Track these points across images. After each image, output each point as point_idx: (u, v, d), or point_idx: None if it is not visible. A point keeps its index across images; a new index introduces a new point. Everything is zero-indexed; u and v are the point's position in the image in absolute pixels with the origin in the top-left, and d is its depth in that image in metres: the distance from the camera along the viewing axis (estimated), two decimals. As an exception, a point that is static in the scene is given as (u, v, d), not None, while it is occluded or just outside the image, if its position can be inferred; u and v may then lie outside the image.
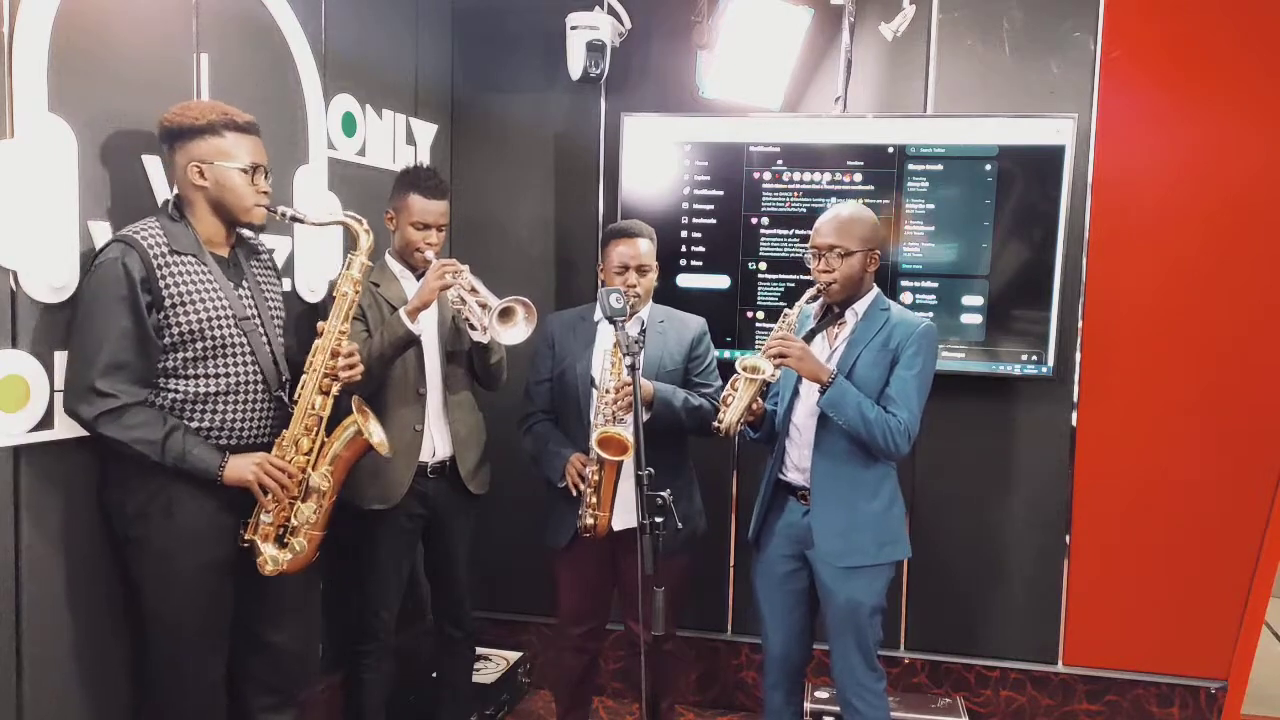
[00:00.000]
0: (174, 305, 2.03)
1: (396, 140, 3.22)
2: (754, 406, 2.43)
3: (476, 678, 3.23)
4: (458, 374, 2.73)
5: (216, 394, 2.10)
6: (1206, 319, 3.08)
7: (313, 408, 2.16)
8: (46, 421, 2.01)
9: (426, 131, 3.39)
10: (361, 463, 2.28)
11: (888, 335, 2.43)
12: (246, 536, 2.14)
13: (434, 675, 3.04)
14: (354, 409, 2.20)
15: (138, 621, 2.19)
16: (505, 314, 2.47)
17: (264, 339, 2.19)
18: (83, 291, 2.01)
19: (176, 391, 2.07)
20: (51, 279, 2.00)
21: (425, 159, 3.37)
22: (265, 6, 2.60)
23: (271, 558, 2.13)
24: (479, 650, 3.35)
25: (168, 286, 2.03)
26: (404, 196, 2.64)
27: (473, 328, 2.57)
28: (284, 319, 2.31)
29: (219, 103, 2.17)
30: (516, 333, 2.49)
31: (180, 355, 2.06)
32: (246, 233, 2.26)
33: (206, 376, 2.09)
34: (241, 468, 2.07)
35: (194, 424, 2.08)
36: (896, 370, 2.41)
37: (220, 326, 2.10)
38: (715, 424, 2.42)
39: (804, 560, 2.54)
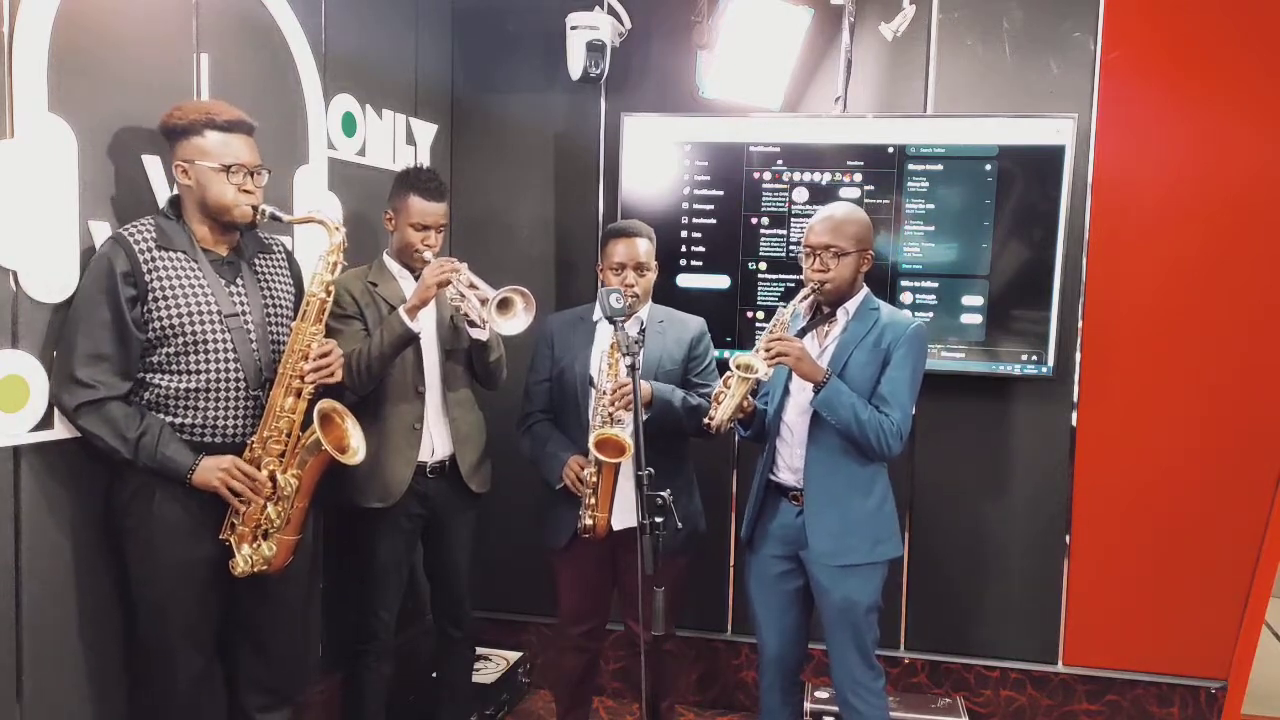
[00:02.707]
0: (157, 299, 2.06)
1: (396, 140, 3.22)
2: (745, 404, 2.43)
3: (476, 678, 3.23)
4: (457, 372, 2.73)
5: (195, 390, 2.10)
6: (1206, 319, 3.08)
7: (283, 410, 2.15)
8: (46, 421, 2.01)
9: (426, 131, 3.40)
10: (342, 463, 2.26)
11: (879, 335, 2.44)
12: (222, 537, 2.14)
13: (434, 675, 3.04)
14: (315, 418, 2.14)
15: (132, 619, 2.20)
16: (504, 304, 2.47)
17: (250, 337, 2.18)
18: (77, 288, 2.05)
19: (159, 387, 2.09)
20: (51, 279, 2.01)
21: (425, 159, 3.37)
22: (265, 6, 2.60)
23: (243, 558, 2.12)
24: (479, 650, 3.35)
25: (153, 281, 2.05)
26: (403, 198, 2.64)
27: (472, 324, 2.57)
28: (293, 318, 2.29)
29: (210, 102, 2.17)
30: (516, 323, 2.49)
31: (163, 350, 2.08)
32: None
33: (186, 372, 2.10)
34: (209, 471, 2.07)
35: (175, 420, 2.09)
36: (888, 371, 2.41)
37: (200, 322, 2.10)
38: (706, 421, 2.42)
39: (797, 561, 2.54)
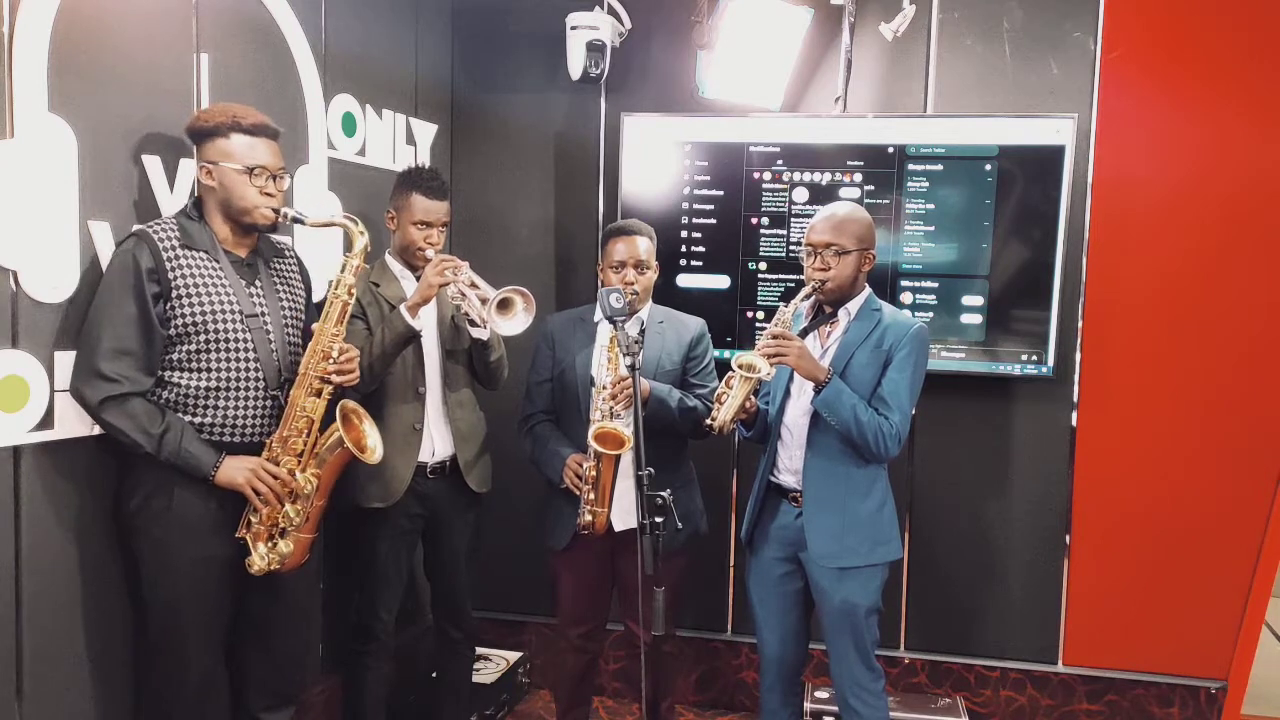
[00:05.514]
0: (180, 297, 2.07)
1: (396, 140, 3.22)
2: (747, 405, 2.43)
3: (476, 678, 3.23)
4: (458, 372, 2.73)
5: (216, 389, 2.12)
6: (1206, 319, 3.08)
7: (303, 410, 2.16)
8: (46, 421, 2.01)
9: (426, 131, 3.40)
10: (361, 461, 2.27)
11: (881, 336, 2.43)
12: (238, 535, 2.14)
13: (434, 675, 3.04)
14: (338, 417, 2.17)
15: (138, 618, 2.20)
16: (504, 304, 2.47)
17: (269, 338, 2.19)
18: (99, 283, 2.06)
19: (179, 385, 2.10)
20: (51, 279, 2.01)
21: (425, 159, 3.37)
22: (265, 6, 2.60)
23: (260, 556, 2.13)
24: (479, 650, 3.35)
25: (176, 279, 2.07)
26: (405, 196, 2.64)
27: (472, 323, 2.58)
28: (304, 321, 2.31)
29: (237, 106, 2.18)
30: (516, 323, 2.49)
31: (184, 348, 2.09)
32: (277, 237, 2.31)
33: (206, 370, 2.11)
34: (234, 470, 2.08)
35: (195, 419, 2.10)
36: (889, 372, 2.41)
37: (222, 320, 2.11)
38: (708, 422, 2.41)
39: (798, 562, 2.53)
